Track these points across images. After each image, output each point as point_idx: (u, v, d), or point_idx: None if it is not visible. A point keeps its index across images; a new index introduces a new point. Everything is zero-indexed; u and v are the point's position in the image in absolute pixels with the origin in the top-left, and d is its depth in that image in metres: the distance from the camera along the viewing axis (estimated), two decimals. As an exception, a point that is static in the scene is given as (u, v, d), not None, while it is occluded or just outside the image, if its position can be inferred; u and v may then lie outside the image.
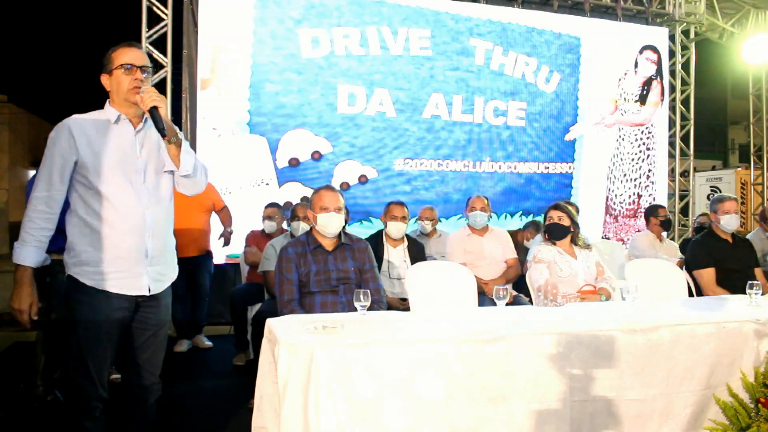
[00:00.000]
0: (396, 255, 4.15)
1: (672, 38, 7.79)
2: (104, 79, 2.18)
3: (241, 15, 5.71)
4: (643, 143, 7.47)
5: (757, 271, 3.81)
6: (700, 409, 2.37)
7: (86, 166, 2.09)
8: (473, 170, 6.63)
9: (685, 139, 8.00)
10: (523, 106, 6.80)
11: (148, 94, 2.07)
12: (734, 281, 3.49)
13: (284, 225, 4.75)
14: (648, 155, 7.50)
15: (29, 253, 2.06)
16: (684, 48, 7.94)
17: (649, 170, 7.51)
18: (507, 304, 2.70)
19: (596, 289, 3.37)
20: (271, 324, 2.27)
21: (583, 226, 3.69)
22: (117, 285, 2.12)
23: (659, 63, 7.54)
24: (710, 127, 17.05)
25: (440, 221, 5.20)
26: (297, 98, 5.91)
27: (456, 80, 6.50)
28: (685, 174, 8.31)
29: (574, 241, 3.54)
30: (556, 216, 3.51)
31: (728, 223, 3.85)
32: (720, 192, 8.54)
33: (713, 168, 13.27)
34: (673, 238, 7.58)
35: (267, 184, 5.84)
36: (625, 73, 7.36)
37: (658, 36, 7.61)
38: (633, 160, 7.42)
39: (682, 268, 4.02)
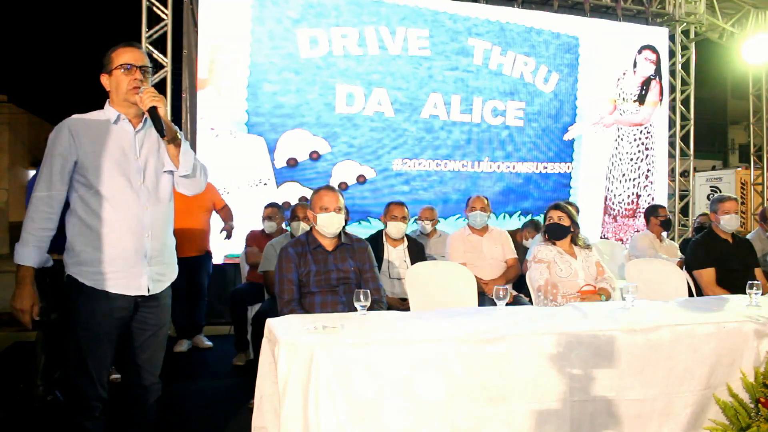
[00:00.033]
0: (396, 255, 4.15)
1: (672, 38, 7.79)
2: (104, 79, 2.19)
3: (239, 15, 5.70)
4: (642, 143, 7.47)
5: (757, 271, 3.81)
6: (700, 409, 2.37)
7: (86, 166, 2.09)
8: (472, 170, 6.63)
9: (685, 139, 8.00)
10: (521, 106, 6.79)
11: (147, 94, 2.07)
12: (734, 281, 3.49)
13: (283, 225, 4.75)
14: (647, 155, 7.50)
15: (30, 253, 2.06)
16: (684, 48, 7.94)
17: (648, 170, 7.51)
18: (507, 304, 2.70)
19: (596, 289, 3.37)
20: (271, 324, 2.27)
21: (582, 226, 3.69)
22: (116, 285, 2.12)
23: (658, 63, 7.54)
24: (710, 127, 17.05)
25: (440, 221, 5.20)
26: (295, 98, 5.91)
27: (454, 80, 6.50)
28: (685, 174, 8.31)
29: (574, 241, 3.54)
30: (556, 216, 3.51)
31: (728, 223, 3.86)
32: (720, 192, 8.55)
33: (713, 168, 13.28)
34: (673, 238, 7.58)
35: (265, 184, 5.84)
36: (624, 73, 7.36)
37: (658, 36, 7.61)
38: (632, 160, 7.42)
39: (682, 268, 4.02)
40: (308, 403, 1.91)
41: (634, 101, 7.41)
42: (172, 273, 2.33)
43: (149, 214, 2.17)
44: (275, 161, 5.86)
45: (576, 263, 3.43)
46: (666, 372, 2.31)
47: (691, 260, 3.95)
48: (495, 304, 2.68)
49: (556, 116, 6.98)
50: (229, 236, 4.88)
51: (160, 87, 5.43)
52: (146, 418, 2.30)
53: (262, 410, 2.22)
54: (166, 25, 5.61)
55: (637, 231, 7.02)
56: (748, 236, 4.96)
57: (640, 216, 7.34)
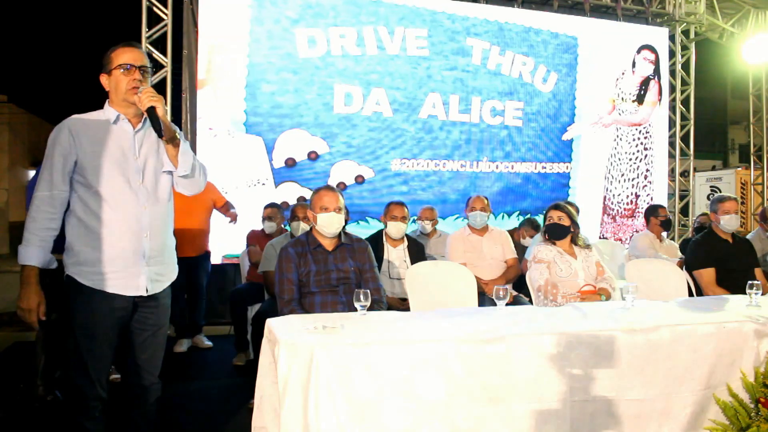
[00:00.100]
0: (396, 255, 4.15)
1: (672, 38, 7.80)
2: (103, 79, 2.19)
3: (237, 15, 5.69)
4: (641, 143, 7.47)
5: (757, 271, 3.81)
6: (700, 409, 2.37)
7: (85, 166, 2.09)
8: (470, 170, 6.63)
9: (685, 139, 8.00)
10: (520, 105, 6.79)
11: (145, 94, 2.08)
12: (734, 281, 3.48)
13: (283, 225, 4.75)
14: (646, 155, 7.50)
15: (34, 252, 2.06)
16: (684, 48, 7.94)
17: (647, 170, 7.51)
18: (507, 304, 2.70)
19: (596, 289, 3.37)
20: (271, 324, 2.27)
21: (581, 226, 3.69)
22: (114, 285, 2.12)
23: (657, 63, 7.54)
24: (710, 127, 17.06)
25: (439, 221, 5.20)
26: (293, 98, 5.90)
27: (453, 80, 6.49)
28: (685, 174, 8.32)
29: (574, 241, 3.54)
30: (556, 216, 3.51)
31: (728, 223, 3.86)
32: (720, 192, 8.56)
33: (713, 168, 13.28)
34: (673, 238, 7.58)
35: (263, 184, 5.83)
36: (623, 73, 7.36)
37: (658, 36, 7.61)
38: (631, 159, 7.42)
39: (682, 268, 4.02)
40: (308, 403, 1.91)
41: (633, 101, 7.41)
42: (171, 273, 2.33)
43: (148, 214, 2.17)
44: (273, 161, 5.86)
45: (576, 263, 3.43)
46: (666, 372, 2.31)
47: (691, 260, 3.95)
48: (495, 304, 2.68)
49: (555, 116, 6.98)
50: (234, 221, 4.87)
51: (160, 87, 5.43)
52: (146, 418, 2.30)
53: (262, 410, 2.22)
54: (166, 25, 5.61)
55: (636, 231, 7.03)
56: (748, 236, 4.96)
57: (639, 216, 7.35)
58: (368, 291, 2.48)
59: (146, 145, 2.20)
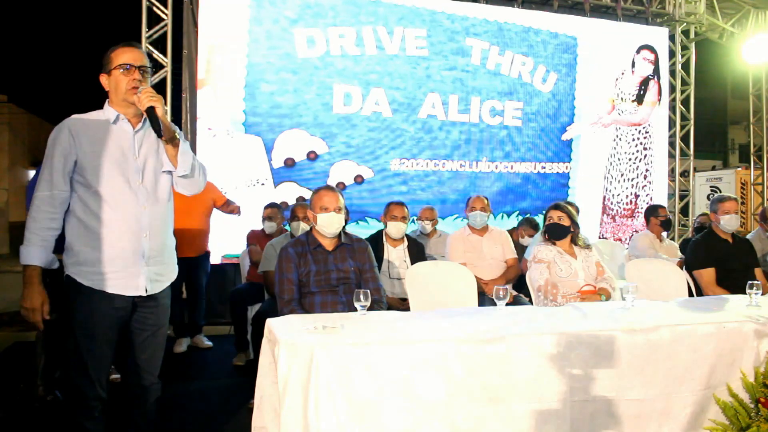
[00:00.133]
0: (396, 255, 4.15)
1: (672, 38, 7.80)
2: (103, 79, 2.19)
3: (236, 15, 5.69)
4: (641, 143, 7.47)
5: (757, 271, 3.81)
6: (700, 409, 2.37)
7: (85, 166, 2.09)
8: (470, 170, 6.62)
9: (685, 139, 8.00)
10: (519, 105, 6.79)
11: (145, 94, 2.08)
12: (734, 281, 3.49)
13: (283, 225, 4.75)
14: (645, 155, 7.50)
15: (35, 252, 2.06)
16: (684, 48, 7.94)
17: (647, 170, 7.51)
18: (507, 304, 2.70)
19: (596, 289, 3.37)
20: (271, 324, 2.27)
21: (580, 226, 3.69)
22: (114, 285, 2.12)
23: (656, 63, 7.54)
24: (710, 127, 17.06)
25: (439, 221, 5.20)
26: (292, 98, 5.90)
27: (452, 80, 6.49)
28: (685, 174, 8.32)
29: (574, 241, 3.54)
30: (556, 216, 3.51)
31: (728, 223, 3.85)
32: (720, 192, 8.56)
33: (713, 168, 13.29)
34: (673, 238, 7.58)
35: (262, 184, 5.83)
36: (622, 73, 7.36)
37: (658, 36, 7.61)
38: (630, 159, 7.42)
39: (682, 268, 4.02)
40: (308, 403, 1.91)
41: (633, 101, 7.41)
42: (171, 273, 2.33)
43: (147, 214, 2.17)
44: (273, 161, 5.86)
45: (576, 263, 3.43)
46: (666, 372, 2.31)
47: (691, 260, 3.95)
48: (495, 304, 2.68)
49: (555, 116, 6.98)
50: (238, 213, 4.88)
51: (160, 87, 5.43)
52: (146, 418, 2.30)
53: (262, 410, 2.22)
54: (166, 25, 5.61)
55: (636, 231, 7.03)
56: (748, 236, 4.96)
57: (638, 216, 7.35)
58: (368, 291, 2.48)
59: (146, 145, 2.20)
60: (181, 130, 2.29)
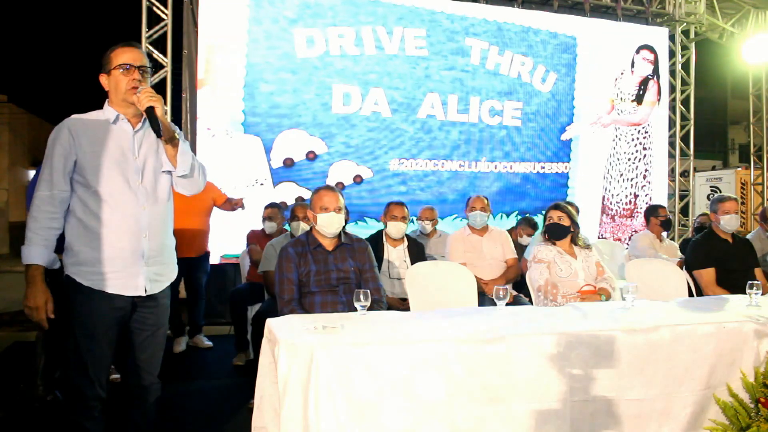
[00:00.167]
0: (396, 255, 4.15)
1: (672, 38, 7.80)
2: (103, 79, 2.19)
3: (235, 15, 5.69)
4: (640, 143, 7.47)
5: (757, 271, 3.81)
6: (700, 409, 2.37)
7: (84, 166, 2.09)
8: (469, 170, 6.62)
9: (685, 139, 8.00)
10: (518, 105, 6.79)
11: (144, 94, 2.08)
12: (734, 281, 3.48)
13: (284, 225, 4.75)
14: (645, 155, 7.50)
15: (37, 251, 2.06)
16: (684, 48, 7.95)
17: (646, 170, 7.51)
18: (507, 304, 2.70)
19: (596, 289, 3.37)
20: (271, 324, 2.27)
21: (580, 226, 3.69)
22: (113, 285, 2.12)
23: (656, 63, 7.54)
24: (710, 127, 17.07)
25: (439, 221, 5.19)
26: (292, 98, 5.90)
27: (451, 80, 6.49)
28: (685, 174, 8.32)
29: (574, 241, 3.54)
30: (556, 216, 3.51)
31: (728, 223, 3.85)
32: (720, 192, 8.56)
33: (713, 168, 13.30)
34: (673, 238, 7.58)
35: (261, 184, 5.83)
36: (622, 73, 7.36)
37: (658, 36, 7.61)
38: (629, 159, 7.42)
39: (682, 268, 4.02)
40: (308, 403, 1.91)
41: (632, 101, 7.41)
42: (171, 273, 2.33)
43: (147, 214, 2.17)
44: (272, 161, 5.85)
45: (576, 263, 3.43)
46: (666, 372, 2.31)
47: (691, 260, 3.95)
48: (495, 304, 2.68)
49: (554, 116, 6.97)
50: (242, 205, 4.88)
51: (160, 87, 5.43)
52: (146, 418, 2.30)
53: (262, 410, 2.22)
54: (166, 25, 5.61)
55: (635, 231, 7.03)
56: (748, 236, 4.96)
57: (637, 216, 7.35)
58: (368, 291, 2.48)
59: (146, 145, 2.20)
60: (181, 130, 2.29)
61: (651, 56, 7.50)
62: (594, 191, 7.23)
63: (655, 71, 7.53)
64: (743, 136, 15.53)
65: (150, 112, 2.07)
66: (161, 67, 5.58)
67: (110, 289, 2.11)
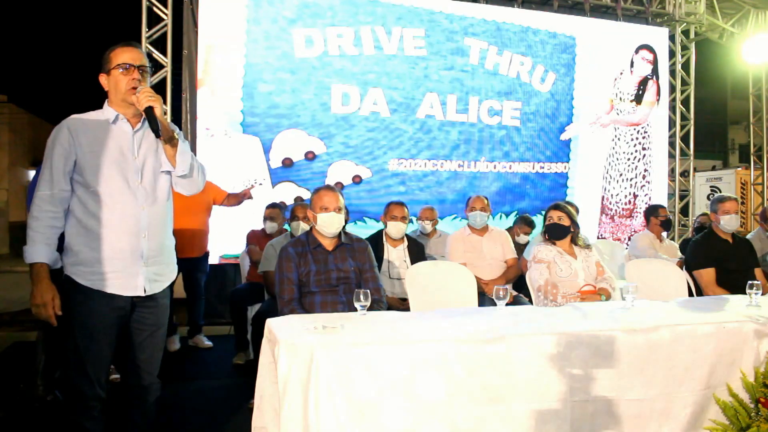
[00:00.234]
0: (396, 255, 4.15)
1: (672, 38, 7.80)
2: (102, 79, 2.19)
3: (234, 15, 5.69)
4: (639, 143, 7.47)
5: (757, 271, 3.80)
6: (700, 409, 2.37)
7: (84, 165, 2.09)
8: (468, 170, 6.62)
9: (685, 139, 8.00)
10: (518, 105, 6.79)
11: (143, 93, 2.08)
12: (734, 281, 3.48)
13: (284, 225, 4.75)
14: (644, 155, 7.50)
15: (41, 250, 2.05)
16: (684, 48, 7.95)
17: (645, 170, 7.51)
18: (507, 304, 2.70)
19: (596, 289, 3.36)
20: (271, 324, 2.27)
21: (580, 226, 3.69)
22: (112, 285, 2.12)
23: (655, 62, 7.54)
24: (710, 127, 17.07)
25: (439, 221, 5.19)
26: (290, 98, 5.90)
27: (450, 80, 6.49)
28: (685, 174, 8.32)
29: (574, 241, 3.54)
30: (556, 216, 3.51)
31: (728, 223, 3.85)
32: (720, 192, 8.56)
33: (713, 168, 13.30)
34: (673, 238, 7.58)
35: (260, 184, 5.82)
36: (621, 73, 7.36)
37: (658, 36, 7.61)
38: (629, 159, 7.42)
39: (682, 268, 4.02)
40: (308, 403, 1.91)
41: (631, 101, 7.41)
42: (170, 273, 2.33)
43: (146, 214, 2.17)
44: (270, 161, 5.85)
45: (576, 263, 3.43)
46: (666, 372, 2.31)
47: (691, 260, 3.95)
48: (495, 304, 2.68)
49: (553, 116, 6.97)
50: (249, 196, 4.85)
51: (160, 87, 5.43)
52: (146, 418, 2.30)
53: (262, 410, 2.22)
54: (166, 25, 5.61)
55: (635, 231, 7.03)
56: (748, 236, 4.96)
57: (637, 216, 7.35)
58: (368, 291, 2.48)
59: (145, 145, 2.20)
60: (180, 130, 2.29)
61: (650, 56, 7.50)
62: (593, 191, 7.23)
63: (654, 71, 7.53)
64: (743, 136, 15.54)
65: (149, 112, 2.07)
66: (161, 67, 5.58)
67: (109, 289, 2.11)
